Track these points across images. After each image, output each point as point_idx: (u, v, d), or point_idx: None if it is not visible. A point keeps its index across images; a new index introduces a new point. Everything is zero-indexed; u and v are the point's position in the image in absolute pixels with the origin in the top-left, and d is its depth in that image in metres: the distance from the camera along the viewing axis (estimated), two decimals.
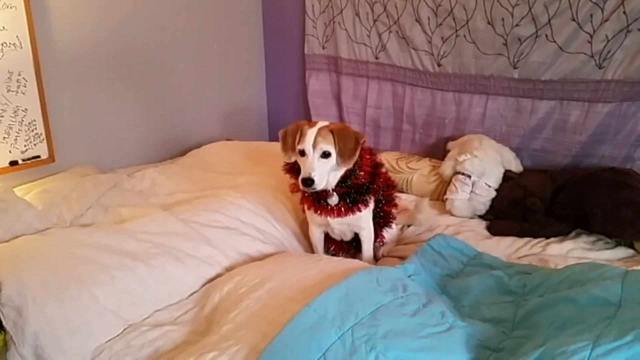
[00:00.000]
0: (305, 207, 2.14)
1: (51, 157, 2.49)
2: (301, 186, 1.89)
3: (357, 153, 1.92)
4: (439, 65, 2.90)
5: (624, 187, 2.22)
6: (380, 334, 1.33)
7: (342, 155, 1.89)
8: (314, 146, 1.88)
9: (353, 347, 1.29)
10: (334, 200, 2.01)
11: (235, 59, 3.49)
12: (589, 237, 2.29)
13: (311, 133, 1.89)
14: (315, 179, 1.85)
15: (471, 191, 2.53)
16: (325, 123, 1.96)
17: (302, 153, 1.91)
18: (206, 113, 3.34)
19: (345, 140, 1.89)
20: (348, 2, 3.11)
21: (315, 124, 1.94)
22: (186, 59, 3.14)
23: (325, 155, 1.88)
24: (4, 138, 2.30)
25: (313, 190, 1.92)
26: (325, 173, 1.90)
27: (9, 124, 2.31)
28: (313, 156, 1.88)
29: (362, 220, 2.10)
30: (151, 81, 2.96)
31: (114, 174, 2.55)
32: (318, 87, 3.43)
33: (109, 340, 1.63)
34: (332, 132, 1.89)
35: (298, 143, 1.91)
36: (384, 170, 2.17)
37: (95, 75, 2.67)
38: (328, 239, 2.28)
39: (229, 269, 2.00)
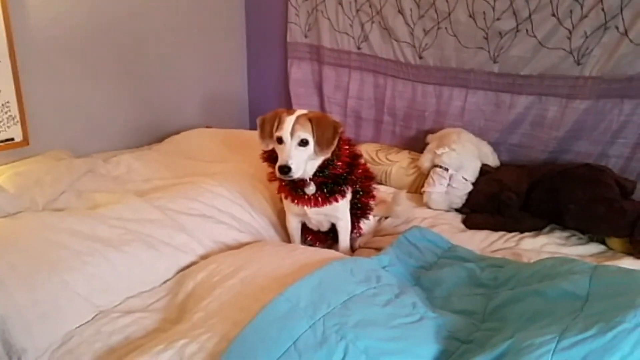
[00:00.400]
0: (283, 196, 2.13)
1: (25, 140, 2.44)
2: (278, 174, 1.89)
3: (335, 142, 1.91)
4: (421, 57, 2.90)
5: (598, 183, 2.25)
6: (351, 323, 1.33)
7: (320, 144, 1.88)
8: (292, 134, 1.87)
9: (324, 337, 1.29)
10: (311, 189, 2.01)
11: (217, 45, 3.45)
12: (562, 232, 2.32)
13: (289, 121, 1.88)
14: (292, 166, 1.85)
15: (448, 184, 2.54)
16: (304, 111, 1.95)
17: (280, 140, 1.90)
18: (186, 99, 3.31)
19: (324, 129, 1.89)
20: None
21: (293, 111, 1.93)
22: (166, 43, 3.10)
23: (303, 143, 1.88)
24: None
25: (290, 179, 1.91)
26: (303, 161, 1.90)
27: None
28: (290, 144, 1.87)
29: (339, 211, 2.10)
30: (130, 65, 2.92)
31: (89, 158, 2.52)
32: (300, 76, 3.41)
33: (79, 326, 1.61)
34: (310, 120, 1.88)
35: (276, 130, 1.90)
36: (362, 161, 2.17)
37: (72, 57, 2.62)
38: (305, 229, 2.28)
39: (204, 257, 1.99)
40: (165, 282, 1.87)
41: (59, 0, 2.51)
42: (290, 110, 1.96)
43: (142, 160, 2.61)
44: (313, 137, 1.87)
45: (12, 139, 2.40)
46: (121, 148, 2.88)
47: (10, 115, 2.37)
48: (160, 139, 3.05)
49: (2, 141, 2.36)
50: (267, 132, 1.94)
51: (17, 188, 2.03)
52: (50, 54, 2.52)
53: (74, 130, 2.70)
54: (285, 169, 1.84)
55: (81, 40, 2.64)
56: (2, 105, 2.33)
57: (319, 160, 1.96)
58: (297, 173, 1.87)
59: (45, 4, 2.46)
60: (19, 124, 2.41)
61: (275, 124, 1.91)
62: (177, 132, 3.05)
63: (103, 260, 1.74)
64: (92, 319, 1.65)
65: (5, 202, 1.93)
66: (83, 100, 2.71)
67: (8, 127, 2.37)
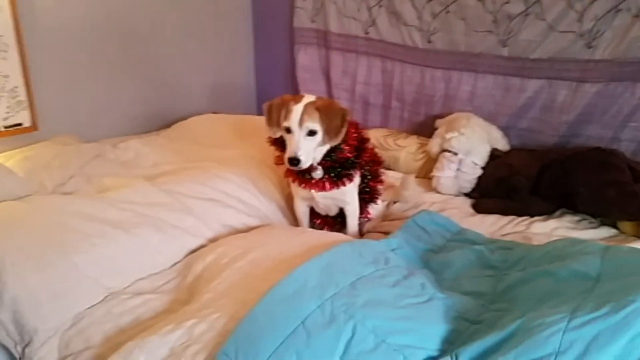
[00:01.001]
0: (290, 180, 2.13)
1: (34, 126, 2.45)
2: (287, 164, 1.89)
3: (344, 130, 1.90)
4: (429, 41, 2.88)
5: (609, 167, 2.23)
6: (360, 303, 1.33)
7: (329, 133, 1.88)
8: (300, 124, 1.86)
9: (332, 316, 1.29)
10: (318, 173, 2.00)
11: (224, 31, 3.44)
12: (573, 216, 2.30)
13: (297, 110, 1.86)
14: (302, 158, 1.85)
15: (457, 169, 2.53)
16: (312, 98, 1.94)
17: (288, 130, 1.89)
18: (193, 85, 3.30)
19: (332, 117, 1.87)
20: None
21: (300, 98, 1.92)
22: (173, 29, 3.09)
23: (312, 133, 1.87)
24: None
25: (299, 169, 1.91)
26: (312, 151, 1.89)
27: None
28: (299, 134, 1.86)
29: (347, 195, 2.10)
30: (138, 51, 2.92)
31: (97, 143, 2.52)
32: (307, 61, 3.40)
33: (89, 308, 1.62)
34: (318, 109, 1.87)
35: (284, 120, 1.89)
36: (369, 145, 2.16)
37: (80, 42, 2.62)
38: (313, 213, 2.28)
39: (212, 240, 1.99)
40: (174, 264, 1.88)
41: None
42: (297, 96, 1.94)
43: (150, 145, 2.62)
44: (321, 126, 1.86)
45: (21, 124, 2.41)
46: (129, 133, 2.88)
47: (19, 100, 2.38)
48: (168, 125, 3.05)
49: (11, 126, 2.37)
50: (274, 120, 1.93)
51: (26, 172, 2.04)
52: (58, 39, 2.52)
53: (82, 115, 2.70)
54: (295, 161, 1.85)
55: (89, 25, 2.64)
56: (11, 90, 2.34)
57: (327, 146, 1.95)
58: (306, 163, 1.88)
59: None
60: (27, 109, 2.42)
61: (283, 113, 1.89)
62: (185, 118, 3.05)
63: (112, 242, 1.75)
64: (102, 300, 1.66)
65: (15, 186, 1.93)
66: (91, 85, 2.72)
67: (17, 112, 2.38)
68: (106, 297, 1.68)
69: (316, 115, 1.86)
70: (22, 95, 2.38)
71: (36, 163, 2.10)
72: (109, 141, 2.64)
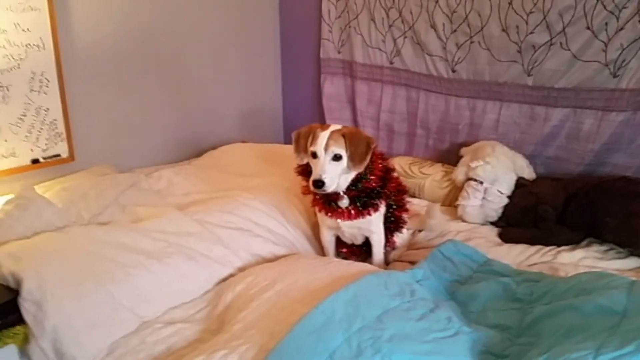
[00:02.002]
0: (317, 209, 2.17)
1: (71, 156, 2.55)
2: (312, 187, 1.93)
3: (368, 157, 1.95)
4: (454, 71, 2.92)
5: (636, 196, 2.22)
6: (386, 337, 1.35)
7: (353, 159, 1.93)
8: (326, 149, 1.91)
9: (359, 350, 1.32)
10: (344, 202, 2.05)
11: (253, 62, 3.54)
12: (600, 246, 2.29)
13: (323, 136, 1.93)
14: (326, 181, 1.89)
15: (483, 197, 2.54)
16: (338, 126, 2.00)
17: (314, 155, 1.95)
18: (223, 115, 3.40)
19: (357, 144, 1.93)
20: (364, 7, 3.14)
21: (327, 127, 1.98)
22: (204, 61, 3.19)
23: (337, 158, 1.92)
24: (27, 137, 2.37)
25: (324, 192, 1.96)
26: (336, 176, 1.94)
27: (32, 123, 2.38)
28: (324, 158, 1.92)
29: (373, 224, 2.13)
30: (169, 83, 3.02)
31: (132, 173, 2.61)
32: (333, 90, 3.47)
33: (124, 336, 1.68)
34: (343, 135, 1.93)
35: (310, 145, 1.95)
36: (395, 175, 2.20)
37: (115, 76, 2.74)
38: (339, 242, 2.31)
39: (241, 269, 2.04)
40: (205, 293, 1.93)
41: (103, 24, 2.63)
42: (324, 125, 2.01)
43: (182, 174, 2.70)
44: (346, 152, 1.92)
45: (59, 155, 2.51)
46: (162, 163, 2.98)
47: (57, 133, 2.49)
48: (199, 154, 3.14)
49: (49, 157, 2.47)
50: (302, 147, 2.00)
51: (64, 203, 2.12)
52: (94, 74, 2.64)
53: (117, 146, 2.81)
54: (319, 183, 1.89)
55: (124, 61, 2.76)
56: (50, 123, 2.45)
57: (352, 174, 2.00)
58: (330, 187, 1.92)
59: (92, 27, 2.58)
60: (65, 141, 2.52)
61: (310, 139, 1.96)
62: (215, 147, 3.14)
63: (146, 272, 1.81)
64: (136, 329, 1.72)
65: (54, 217, 2.02)
66: (125, 117, 2.83)
67: (55, 143, 2.49)
68: (140, 325, 1.73)
69: (341, 140, 1.92)
70: (61, 127, 2.49)
71: (74, 194, 2.19)
72: (143, 170, 2.73)
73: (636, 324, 1.30)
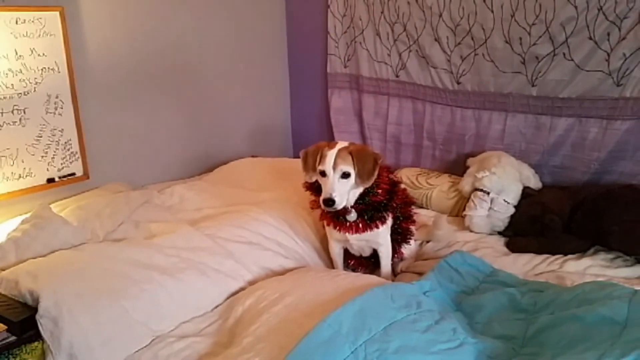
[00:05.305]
0: (325, 223, 2.21)
1: (85, 175, 2.62)
2: (322, 206, 1.98)
3: (376, 173, 1.99)
4: (458, 83, 2.95)
5: None
6: (392, 349, 1.39)
7: (361, 176, 1.97)
8: (334, 167, 1.96)
9: None
10: (352, 216, 2.08)
11: (262, 78, 3.60)
12: (607, 254, 2.30)
13: (331, 155, 1.97)
14: (336, 199, 1.93)
15: (490, 208, 2.56)
16: (345, 144, 2.04)
17: (323, 174, 1.99)
18: (233, 130, 3.46)
19: (364, 161, 1.97)
20: (369, 22, 3.19)
21: (334, 145, 2.03)
22: (214, 79, 3.26)
23: (345, 175, 1.96)
24: (42, 157, 2.45)
25: (334, 210, 2.00)
26: (345, 193, 1.98)
27: (47, 144, 2.45)
28: (333, 177, 1.96)
29: (380, 237, 2.17)
30: (180, 100, 3.09)
31: (144, 190, 2.67)
32: (340, 104, 3.52)
33: (137, 351, 1.73)
34: (351, 153, 1.97)
35: (319, 164, 2.00)
36: (402, 187, 2.24)
37: (127, 96, 2.81)
38: (348, 254, 2.35)
39: (251, 282, 2.09)
40: (216, 307, 1.98)
41: (116, 46, 2.72)
42: (331, 143, 2.05)
43: (193, 190, 2.76)
44: (354, 169, 1.96)
45: (74, 174, 2.58)
46: (174, 178, 3.04)
47: (72, 152, 2.56)
48: (210, 169, 3.20)
49: (65, 176, 2.54)
50: (310, 166, 2.05)
51: (79, 221, 2.18)
52: (107, 96, 2.72)
53: (129, 163, 2.88)
54: (330, 202, 1.93)
55: (136, 82, 2.83)
56: (65, 143, 2.52)
57: (360, 189, 2.04)
58: (340, 204, 1.96)
59: (105, 49, 2.67)
60: (79, 160, 2.60)
61: (318, 158, 2.00)
62: (225, 162, 3.20)
63: (160, 287, 1.86)
64: (150, 343, 1.76)
65: (70, 235, 2.08)
66: (138, 136, 2.90)
67: (70, 163, 2.56)
68: (153, 340, 1.78)
69: (349, 158, 1.96)
70: (75, 147, 2.57)
71: (89, 212, 2.25)
72: (156, 186, 2.80)
73: (637, 334, 1.32)
